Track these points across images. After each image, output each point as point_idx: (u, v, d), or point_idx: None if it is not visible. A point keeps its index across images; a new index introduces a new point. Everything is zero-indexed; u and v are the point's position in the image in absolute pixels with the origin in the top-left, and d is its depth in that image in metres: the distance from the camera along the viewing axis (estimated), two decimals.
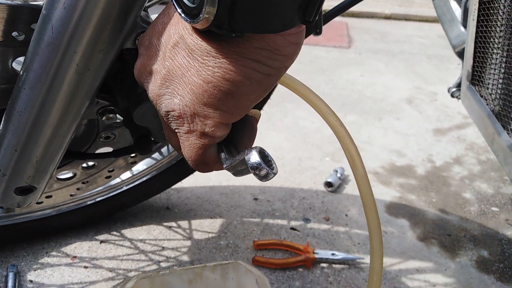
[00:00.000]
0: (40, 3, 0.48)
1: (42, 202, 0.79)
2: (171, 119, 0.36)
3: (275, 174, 0.35)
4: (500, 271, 0.90)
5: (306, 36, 0.57)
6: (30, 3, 0.46)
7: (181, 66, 0.33)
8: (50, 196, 0.77)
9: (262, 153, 0.35)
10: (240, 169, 0.37)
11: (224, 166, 0.38)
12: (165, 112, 0.36)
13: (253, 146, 0.37)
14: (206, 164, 0.39)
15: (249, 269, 0.68)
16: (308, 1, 0.30)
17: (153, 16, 0.53)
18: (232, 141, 0.39)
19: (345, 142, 0.49)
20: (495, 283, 0.87)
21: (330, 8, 0.62)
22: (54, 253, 0.90)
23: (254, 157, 0.34)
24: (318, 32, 0.57)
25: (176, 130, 0.37)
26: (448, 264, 0.92)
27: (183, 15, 0.30)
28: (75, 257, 0.90)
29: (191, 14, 0.30)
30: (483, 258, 0.94)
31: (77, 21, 0.38)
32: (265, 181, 0.34)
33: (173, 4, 0.31)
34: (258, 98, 0.35)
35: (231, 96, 0.33)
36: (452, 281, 0.87)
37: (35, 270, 0.86)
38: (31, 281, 0.83)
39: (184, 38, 0.32)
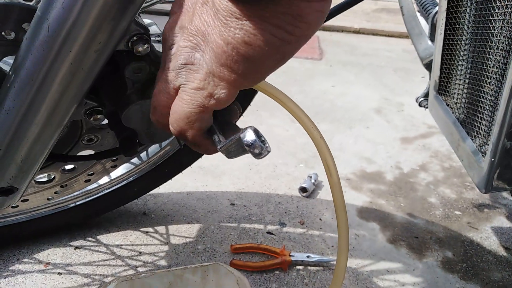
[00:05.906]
0: (30, 2, 0.48)
1: (17, 206, 0.77)
2: (185, 72, 0.37)
3: (269, 151, 0.36)
4: (463, 271, 0.96)
5: None
6: (21, 1, 0.46)
7: (207, 24, 0.34)
8: (27, 200, 0.75)
9: (256, 132, 0.36)
10: (234, 149, 0.38)
11: (219, 147, 0.39)
12: (182, 64, 0.37)
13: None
14: (189, 122, 0.39)
15: (230, 270, 0.69)
16: None
17: (146, 21, 0.54)
18: (221, 125, 0.41)
19: (323, 152, 0.52)
20: (459, 281, 0.92)
21: None
22: (26, 260, 0.88)
23: (249, 135, 0.36)
24: None
25: (183, 84, 0.37)
26: (416, 265, 0.96)
27: None
28: (48, 263, 0.87)
29: None
30: (447, 258, 0.99)
31: (75, 20, 0.39)
32: (260, 158, 0.36)
33: None
34: (274, 66, 0.35)
35: (248, 60, 0.34)
36: (420, 281, 0.92)
37: (5, 278, 0.83)
38: None
39: None
